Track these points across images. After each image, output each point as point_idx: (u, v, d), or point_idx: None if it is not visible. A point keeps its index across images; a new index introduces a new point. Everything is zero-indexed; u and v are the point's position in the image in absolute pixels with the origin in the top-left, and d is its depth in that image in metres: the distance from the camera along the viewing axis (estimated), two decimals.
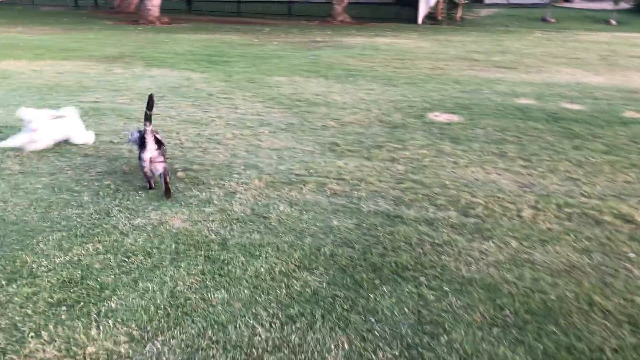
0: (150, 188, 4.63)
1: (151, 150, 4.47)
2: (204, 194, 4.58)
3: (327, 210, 4.33)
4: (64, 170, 5.07)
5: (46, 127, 5.54)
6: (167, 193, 4.49)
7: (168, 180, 4.53)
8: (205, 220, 4.10)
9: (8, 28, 19.17)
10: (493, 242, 3.83)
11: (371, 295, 3.19)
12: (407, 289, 3.25)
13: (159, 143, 4.57)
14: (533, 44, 16.64)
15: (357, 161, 5.46)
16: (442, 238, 3.89)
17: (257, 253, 3.64)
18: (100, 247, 3.69)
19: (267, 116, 7.19)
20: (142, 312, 2.99)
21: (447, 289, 3.26)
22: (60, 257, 3.55)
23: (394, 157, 5.59)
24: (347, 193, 4.66)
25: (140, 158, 4.50)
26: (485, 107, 7.79)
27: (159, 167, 4.52)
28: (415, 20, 25.37)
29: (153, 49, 13.89)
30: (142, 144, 4.51)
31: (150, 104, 4.48)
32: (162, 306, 3.05)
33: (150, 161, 4.48)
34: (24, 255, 3.55)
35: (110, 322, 2.91)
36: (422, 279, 3.37)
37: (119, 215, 4.16)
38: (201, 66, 11.37)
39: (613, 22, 23.26)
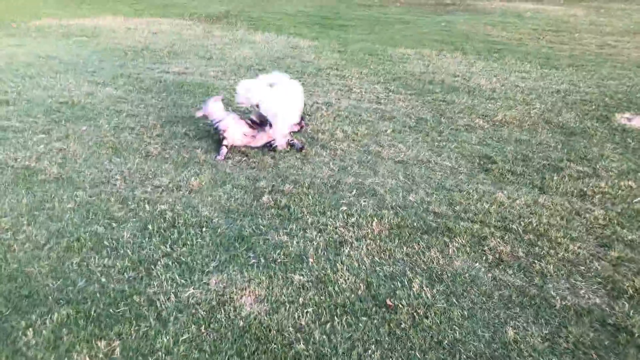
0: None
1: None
2: (295, 241, 3.00)
3: (493, 298, 2.60)
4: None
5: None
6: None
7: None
8: (293, 303, 2.52)
9: None
10: None
11: None
12: None
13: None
14: None
15: (526, 194, 3.62)
16: None
17: None
18: (117, 349, 2.22)
19: (389, 105, 5.45)
20: None
21: None
22: None
23: (582, 190, 3.68)
24: (521, 261, 2.88)
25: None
26: None
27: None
28: None
29: (262, 8, 12.45)
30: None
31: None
32: None
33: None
34: None
35: None
36: None
37: (163, 277, 2.68)
38: (312, 31, 9.75)
39: None
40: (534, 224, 3.23)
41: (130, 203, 3.35)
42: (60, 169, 3.79)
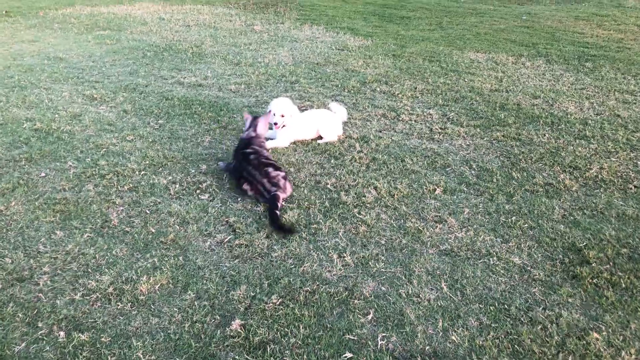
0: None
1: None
2: None
3: None
4: None
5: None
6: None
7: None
8: None
9: None
10: None
11: None
12: None
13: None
14: None
15: (639, 334, 2.34)
16: None
17: None
18: None
19: (445, 143, 4.19)
20: None
21: None
22: None
23: None
24: None
25: None
26: None
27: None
28: None
29: None
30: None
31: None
32: None
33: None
34: None
35: None
36: None
37: None
38: (368, 24, 8.46)
39: None
40: None
41: (40, 325, 2.33)
42: None
